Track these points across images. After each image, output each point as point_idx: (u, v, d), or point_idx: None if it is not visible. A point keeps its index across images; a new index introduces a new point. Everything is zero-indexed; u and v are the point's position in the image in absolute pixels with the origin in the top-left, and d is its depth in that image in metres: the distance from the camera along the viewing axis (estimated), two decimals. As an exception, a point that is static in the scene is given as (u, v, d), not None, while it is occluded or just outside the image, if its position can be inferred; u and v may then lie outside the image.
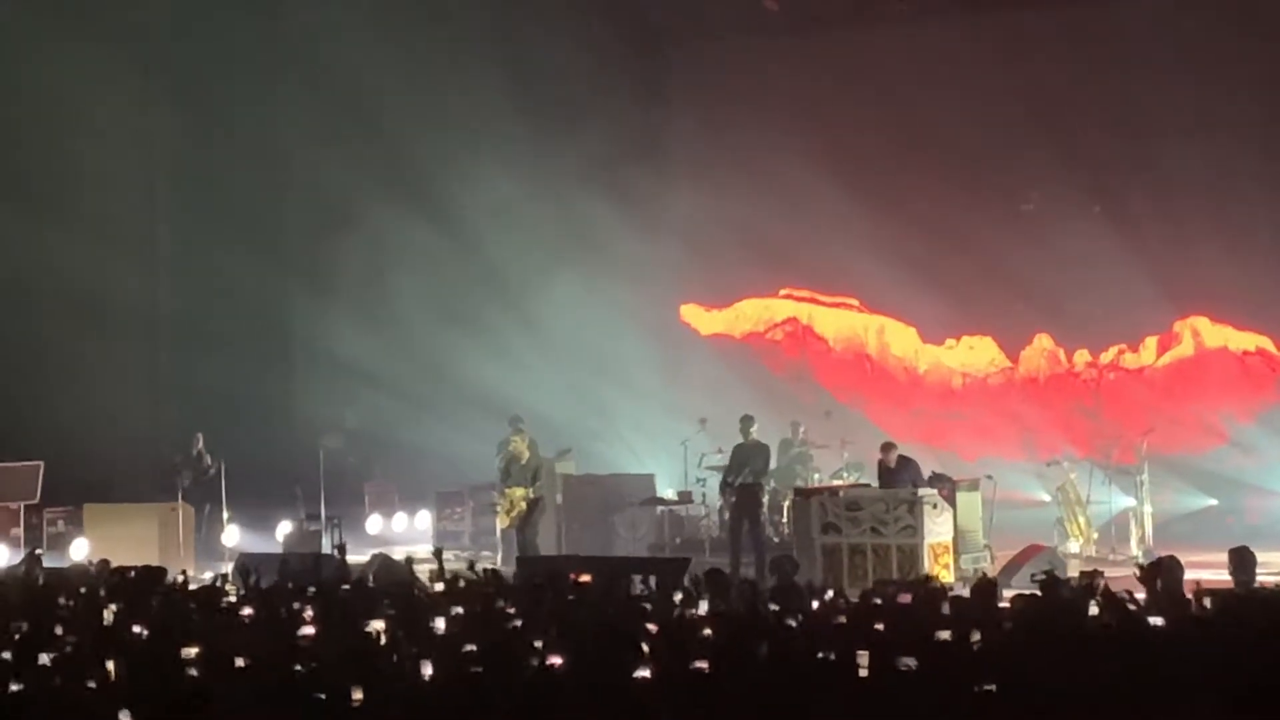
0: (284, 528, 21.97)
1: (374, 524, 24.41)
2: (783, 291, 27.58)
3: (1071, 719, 7.86)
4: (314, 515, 21.84)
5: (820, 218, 24.68)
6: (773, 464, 20.55)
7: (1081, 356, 25.36)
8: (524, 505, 19.68)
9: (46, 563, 17.36)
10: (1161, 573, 11.79)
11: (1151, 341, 24.84)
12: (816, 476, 22.12)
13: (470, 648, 9.76)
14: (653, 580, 13.87)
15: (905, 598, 12.09)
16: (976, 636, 9.81)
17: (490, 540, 22.00)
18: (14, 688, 9.11)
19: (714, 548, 20.41)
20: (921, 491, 17.80)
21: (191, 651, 9.92)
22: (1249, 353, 24.23)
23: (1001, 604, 11.66)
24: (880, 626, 10.42)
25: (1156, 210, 23.04)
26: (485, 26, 24.92)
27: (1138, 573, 11.85)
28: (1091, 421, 24.63)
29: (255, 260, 24.47)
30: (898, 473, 18.49)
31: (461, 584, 13.40)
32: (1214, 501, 23.40)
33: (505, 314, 25.67)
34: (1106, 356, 25.18)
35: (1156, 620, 10.10)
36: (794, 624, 10.96)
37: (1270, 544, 15.35)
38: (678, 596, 12.42)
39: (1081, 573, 13.07)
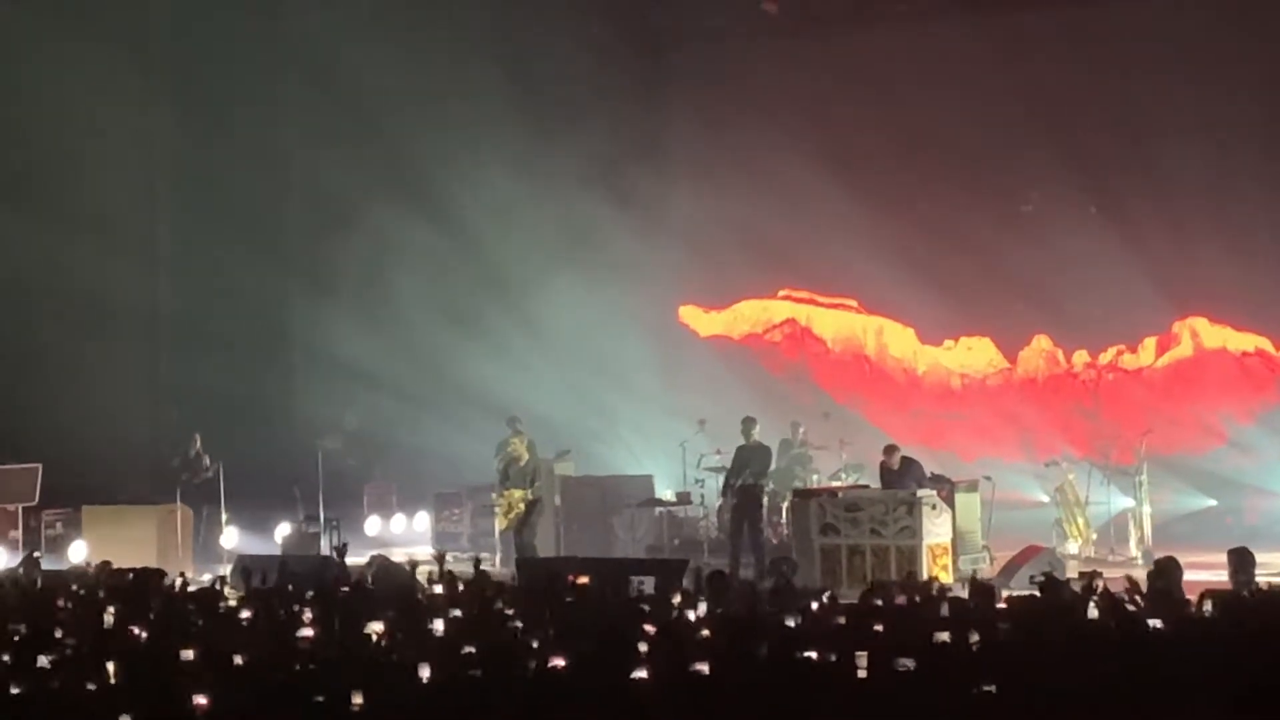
0: (283, 529, 21.96)
1: (372, 525, 24.41)
2: (781, 292, 27.58)
3: (1071, 720, 7.88)
4: (313, 517, 21.83)
5: (819, 219, 24.68)
6: (773, 466, 20.55)
7: (1080, 357, 25.35)
8: (522, 506, 19.69)
9: (45, 565, 17.36)
10: (1159, 573, 11.81)
11: (1150, 342, 24.83)
12: (815, 478, 22.13)
13: (469, 649, 9.77)
14: (652, 581, 13.87)
15: (903, 599, 12.10)
16: (975, 638, 9.81)
17: (489, 542, 21.99)
18: (13, 690, 9.10)
19: (713, 549, 20.41)
20: (920, 493, 17.81)
21: (191, 654, 9.92)
22: (1248, 353, 24.23)
23: (1000, 605, 11.67)
24: (879, 628, 10.43)
25: (1155, 211, 23.03)
26: (486, 27, 24.89)
27: (1127, 585, 11.78)
28: (1090, 422, 24.63)
29: (255, 261, 24.45)
30: (901, 474, 18.49)
31: (460, 586, 13.39)
32: (1213, 502, 23.39)
33: (504, 315, 25.66)
34: (1105, 357, 25.17)
35: (1155, 622, 10.09)
36: (793, 625, 10.96)
37: (1269, 544, 15.38)
38: (677, 598, 12.42)
39: (1080, 573, 13.07)
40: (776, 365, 27.36)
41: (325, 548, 20.65)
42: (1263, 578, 12.41)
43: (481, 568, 14.81)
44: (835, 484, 20.91)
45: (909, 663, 8.81)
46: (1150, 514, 20.04)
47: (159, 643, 10.60)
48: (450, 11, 24.82)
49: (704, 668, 8.82)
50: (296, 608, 12.13)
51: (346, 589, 13.53)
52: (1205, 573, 12.53)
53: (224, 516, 21.71)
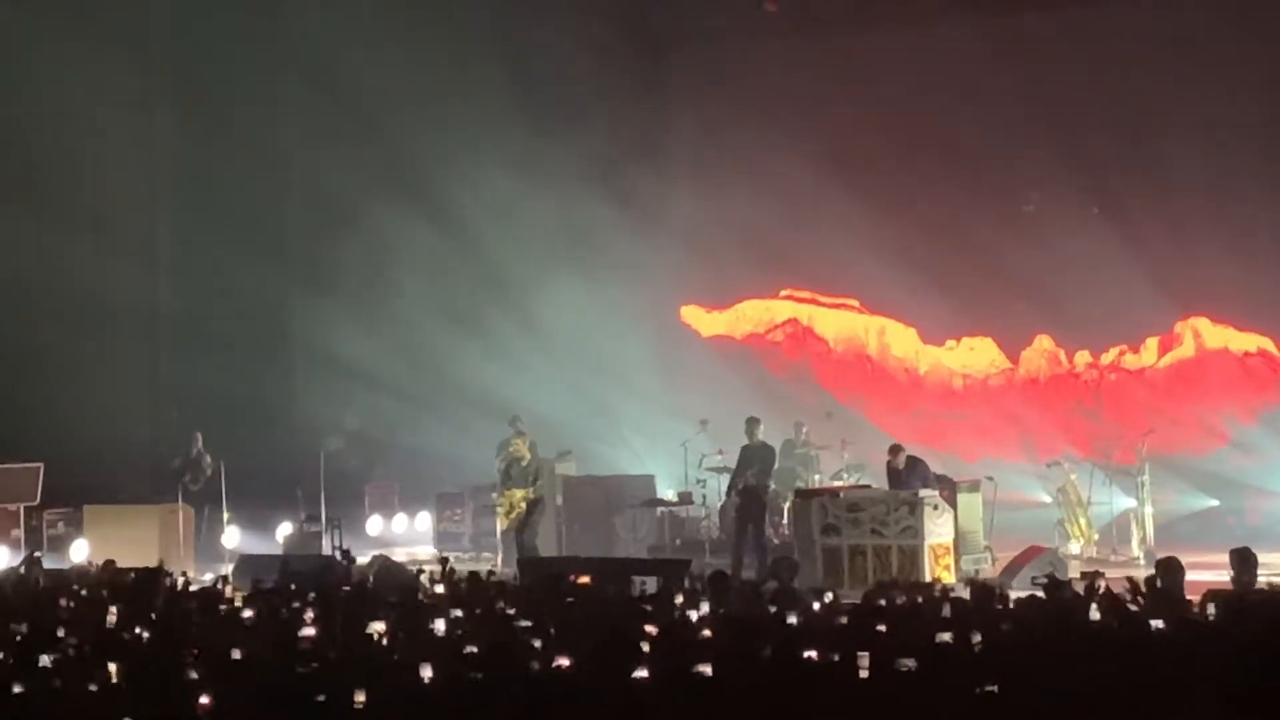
0: (284, 529, 21.96)
1: (374, 525, 24.40)
2: (783, 292, 27.57)
3: (1072, 720, 7.88)
4: (314, 516, 21.81)
5: (821, 219, 24.69)
6: (776, 466, 20.55)
7: (1082, 357, 25.34)
8: (524, 506, 19.69)
9: (47, 564, 17.36)
10: (1161, 574, 11.80)
11: (1152, 342, 24.82)
12: (817, 478, 22.14)
13: (471, 650, 9.76)
14: (654, 582, 13.86)
15: (905, 599, 12.09)
16: (977, 638, 9.80)
17: (490, 541, 22.00)
18: (16, 689, 9.10)
19: (714, 549, 20.42)
20: (922, 493, 17.81)
21: (192, 653, 9.92)
22: (1250, 353, 24.22)
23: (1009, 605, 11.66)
24: (881, 628, 10.42)
25: (1157, 211, 23.03)
26: (486, 27, 24.88)
27: (1128, 587, 11.78)
28: (1092, 422, 24.62)
29: (255, 260, 24.45)
30: (907, 474, 18.49)
31: (463, 586, 13.39)
32: (1215, 502, 23.37)
33: (506, 315, 25.66)
34: (1107, 357, 25.16)
35: (1157, 622, 10.08)
36: (795, 625, 10.95)
37: (1271, 545, 15.36)
38: (678, 598, 12.41)
39: (1082, 573, 13.06)
40: (778, 365, 27.35)
41: (327, 547, 20.66)
42: (1265, 578, 12.38)
43: (486, 570, 14.83)
44: (837, 484, 20.91)
45: (910, 663, 8.80)
46: (1152, 514, 20.04)
47: (161, 642, 10.60)
48: (450, 11, 24.80)
49: (706, 668, 8.81)
50: (298, 605, 12.13)
51: (348, 589, 13.53)
52: (1207, 573, 12.52)
53: (225, 516, 21.71)
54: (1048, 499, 21.78)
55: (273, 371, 25.45)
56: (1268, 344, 24.08)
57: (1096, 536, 20.64)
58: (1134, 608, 10.83)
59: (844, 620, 11.17)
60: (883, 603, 11.89)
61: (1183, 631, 9.84)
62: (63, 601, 13.11)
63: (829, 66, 25.50)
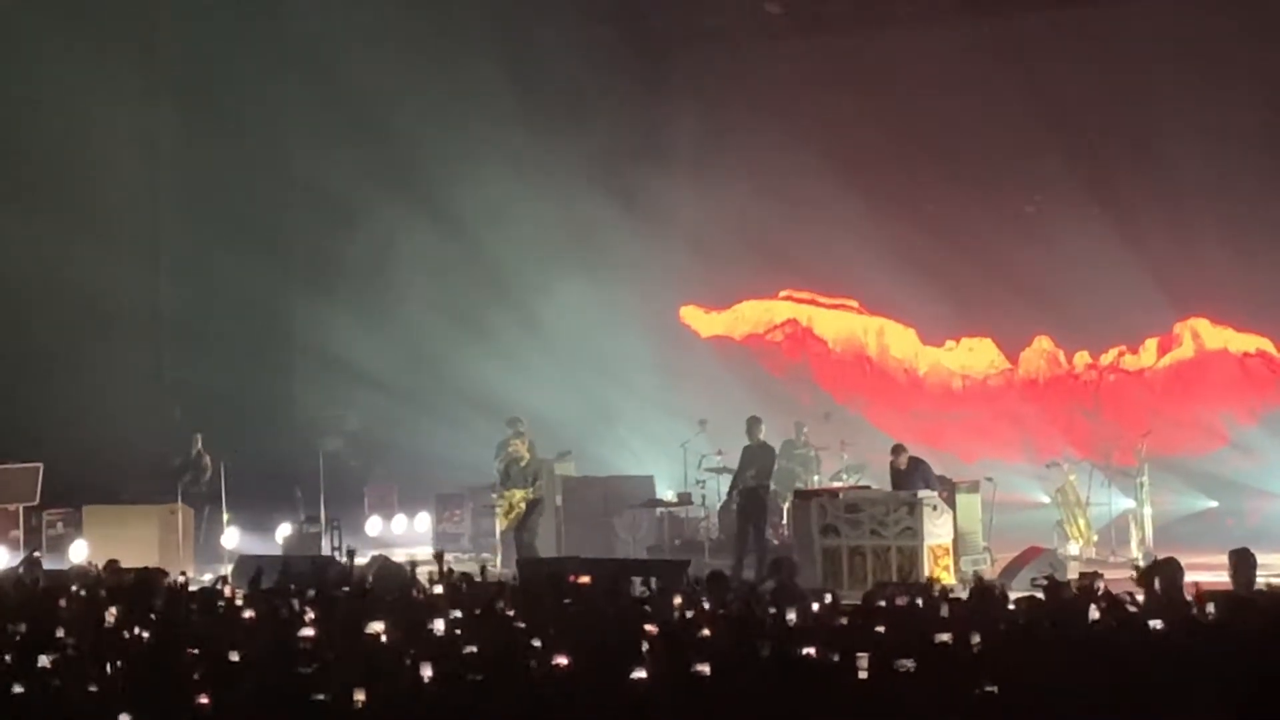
0: (284, 529, 21.95)
1: (373, 526, 24.39)
2: (783, 293, 27.57)
3: (1071, 722, 7.88)
4: (314, 517, 21.81)
5: (821, 219, 24.69)
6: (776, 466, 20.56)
7: (1081, 358, 25.35)
8: (523, 507, 19.70)
9: (46, 565, 17.35)
10: (1160, 574, 11.80)
11: (1152, 343, 24.83)
12: (816, 479, 22.16)
13: (470, 649, 9.77)
14: (653, 582, 13.86)
15: (904, 600, 12.09)
16: (976, 639, 9.80)
17: (490, 542, 21.99)
18: (16, 690, 9.10)
19: (713, 549, 20.42)
20: (921, 493, 17.82)
21: (192, 653, 9.92)
22: (1249, 354, 24.22)
23: (1010, 606, 11.65)
24: (880, 629, 10.42)
25: (1157, 211, 23.05)
26: (488, 28, 24.89)
27: (1135, 574, 11.85)
28: (1091, 423, 24.63)
29: (256, 261, 24.48)
30: (909, 475, 18.50)
31: (464, 587, 13.39)
32: (1214, 503, 23.38)
33: (505, 315, 25.66)
34: (1106, 358, 25.17)
35: (1156, 623, 10.08)
36: (793, 626, 10.96)
37: (1271, 546, 15.34)
38: (677, 598, 12.41)
39: (1081, 574, 13.06)
40: (777, 366, 27.36)
41: (326, 548, 20.67)
42: (1263, 579, 12.38)
43: (485, 569, 14.83)
44: (836, 485, 20.92)
45: (910, 664, 8.81)
46: (1151, 515, 20.02)
47: (160, 643, 10.60)
48: (452, 12, 24.81)
49: (704, 668, 8.82)
50: (297, 605, 12.14)
51: (347, 589, 13.53)
52: (1206, 574, 12.49)
53: (225, 516, 21.69)
54: (1047, 500, 21.77)
55: (272, 372, 25.49)
56: (1267, 345, 24.08)
57: (1095, 537, 20.63)
58: (1133, 608, 10.84)
59: (843, 620, 11.17)
60: (882, 603, 11.90)
61: (1181, 632, 9.84)
62: (62, 602, 13.11)
63: (829, 67, 25.51)
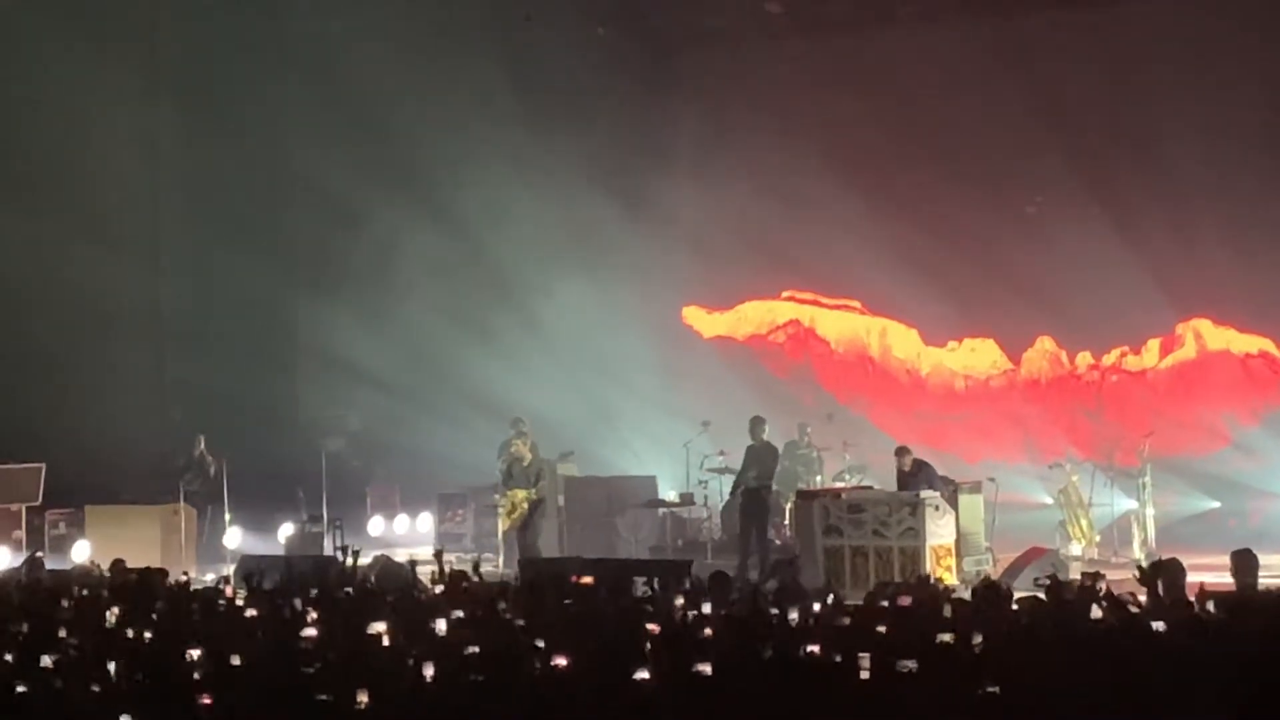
0: (286, 529, 21.95)
1: (376, 526, 24.38)
2: (785, 294, 27.56)
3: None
4: (316, 517, 21.82)
5: (823, 220, 24.69)
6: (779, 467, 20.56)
7: (1084, 359, 25.33)
8: (525, 507, 19.71)
9: (48, 565, 17.37)
10: (1162, 575, 11.79)
11: (1154, 344, 24.81)
12: (819, 479, 22.16)
13: (473, 650, 9.77)
14: (655, 582, 13.86)
15: (906, 600, 12.08)
16: (978, 639, 9.80)
17: (492, 542, 21.98)
18: (18, 690, 9.10)
19: (716, 550, 20.44)
20: (924, 494, 17.81)
21: (194, 653, 9.92)
22: (1251, 355, 24.20)
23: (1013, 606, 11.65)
24: (882, 629, 10.42)
25: (1160, 212, 23.03)
26: (491, 29, 24.90)
27: (1137, 574, 11.85)
28: (1094, 424, 24.62)
29: (258, 261, 24.50)
30: (914, 476, 18.50)
31: (465, 586, 13.39)
32: (1217, 504, 23.36)
33: (508, 315, 25.68)
34: (1109, 359, 25.16)
35: (1158, 624, 10.08)
36: (796, 626, 10.96)
37: (1273, 546, 15.30)
38: (679, 599, 12.41)
39: (1084, 574, 13.05)
40: (780, 366, 27.35)
41: (328, 548, 20.67)
42: (1266, 580, 12.37)
43: (478, 566, 14.84)
44: (839, 485, 20.92)
45: (912, 664, 8.80)
46: (1154, 516, 20.01)
47: (162, 643, 10.60)
48: (454, 13, 24.81)
49: (706, 668, 8.82)
50: (299, 604, 12.14)
51: (349, 589, 13.54)
52: (1209, 575, 12.47)
53: (227, 516, 21.69)
54: (1049, 500, 21.74)
55: (275, 372, 25.48)
56: (1269, 345, 24.07)
57: (1098, 538, 20.62)
58: (1134, 609, 10.83)
59: (845, 621, 11.17)
60: (885, 603, 11.89)
61: (1184, 633, 9.83)
62: (64, 602, 13.11)
63: (831, 67, 25.48)
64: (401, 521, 24.79)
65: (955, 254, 24.27)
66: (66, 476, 21.80)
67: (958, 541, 18.02)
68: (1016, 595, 12.35)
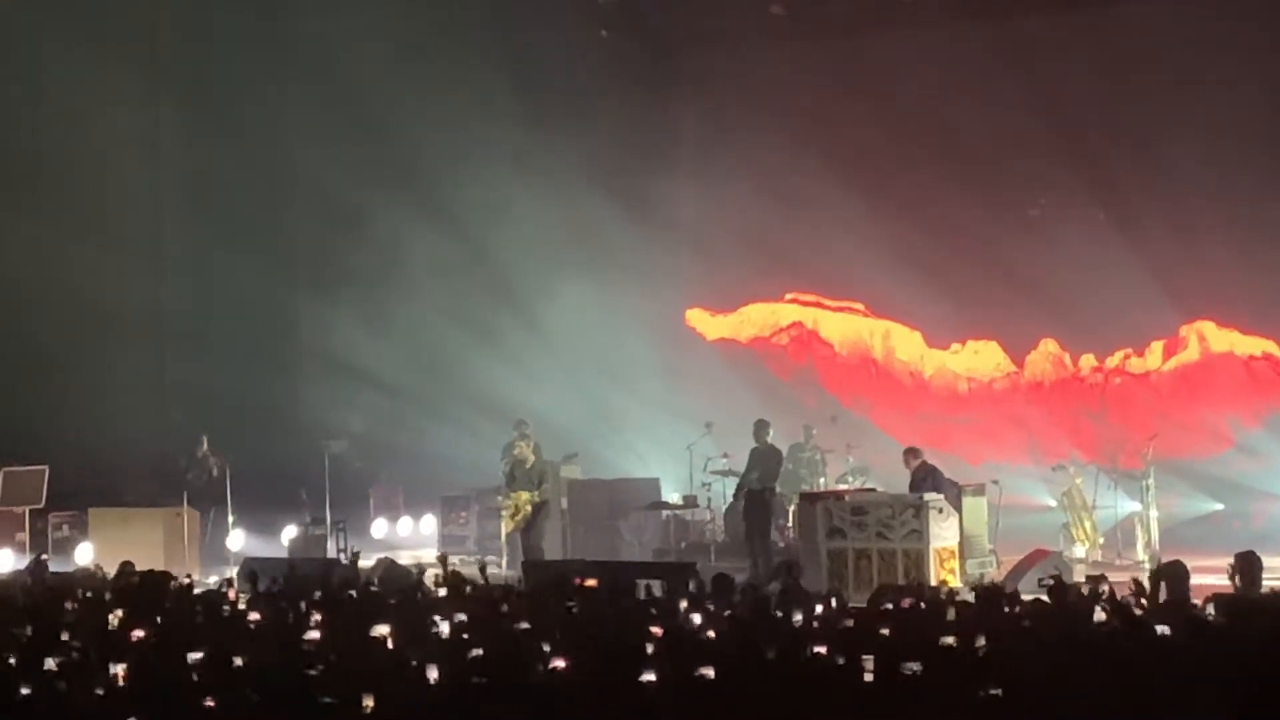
0: (289, 532, 21.96)
1: (379, 528, 24.40)
2: (788, 296, 27.56)
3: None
4: (319, 519, 21.81)
5: (826, 222, 24.68)
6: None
7: (1087, 361, 25.31)
8: (529, 509, 19.70)
9: (52, 567, 17.36)
10: (1164, 578, 11.79)
11: (1157, 346, 24.79)
12: (822, 482, 22.16)
13: (476, 652, 9.77)
14: (658, 585, 13.87)
15: (908, 602, 12.08)
16: (981, 641, 9.79)
17: (495, 544, 21.97)
18: (22, 692, 9.11)
19: (719, 552, 20.44)
20: (927, 496, 17.80)
21: (197, 656, 9.92)
22: (1255, 357, 24.18)
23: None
24: (885, 631, 10.42)
25: (1163, 214, 23.01)
26: (493, 31, 24.90)
27: (1131, 587, 11.79)
28: (1097, 426, 24.61)
29: (261, 263, 24.51)
30: (923, 481, 18.54)
31: (468, 589, 13.39)
32: (1220, 506, 23.33)
33: (510, 318, 25.67)
34: (1112, 361, 25.14)
35: (1162, 627, 10.07)
36: (799, 628, 10.95)
37: (1276, 549, 15.32)
38: (683, 601, 12.41)
39: (1087, 577, 13.05)
40: (783, 369, 27.35)
41: (332, 550, 20.67)
42: (1270, 582, 12.37)
43: (484, 569, 14.84)
44: (842, 487, 20.91)
45: (915, 666, 8.80)
46: (1157, 518, 20.00)
47: (166, 645, 10.60)
48: (457, 14, 24.81)
49: (710, 671, 8.81)
50: (304, 607, 12.15)
51: (353, 592, 13.54)
52: (1212, 577, 12.48)
53: (230, 519, 21.70)
54: (1053, 503, 21.74)
55: (277, 374, 25.47)
56: (1273, 348, 24.04)
57: (1101, 540, 20.62)
58: (1138, 611, 10.83)
59: (849, 623, 11.17)
60: (888, 606, 11.89)
61: (1187, 635, 9.83)
62: (68, 605, 13.11)
63: (833, 69, 25.46)
64: (405, 523, 24.81)
65: (958, 255, 24.26)
66: (69, 479, 21.81)
67: (961, 544, 18.00)
68: (1022, 597, 12.35)
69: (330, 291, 25.69)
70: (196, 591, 14.14)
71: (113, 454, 22.59)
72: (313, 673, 9.28)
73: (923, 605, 11.94)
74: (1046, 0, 24.79)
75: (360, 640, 10.66)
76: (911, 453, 19.01)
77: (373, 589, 14.20)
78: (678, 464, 22.77)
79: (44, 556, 18.11)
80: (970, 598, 12.41)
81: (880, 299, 26.38)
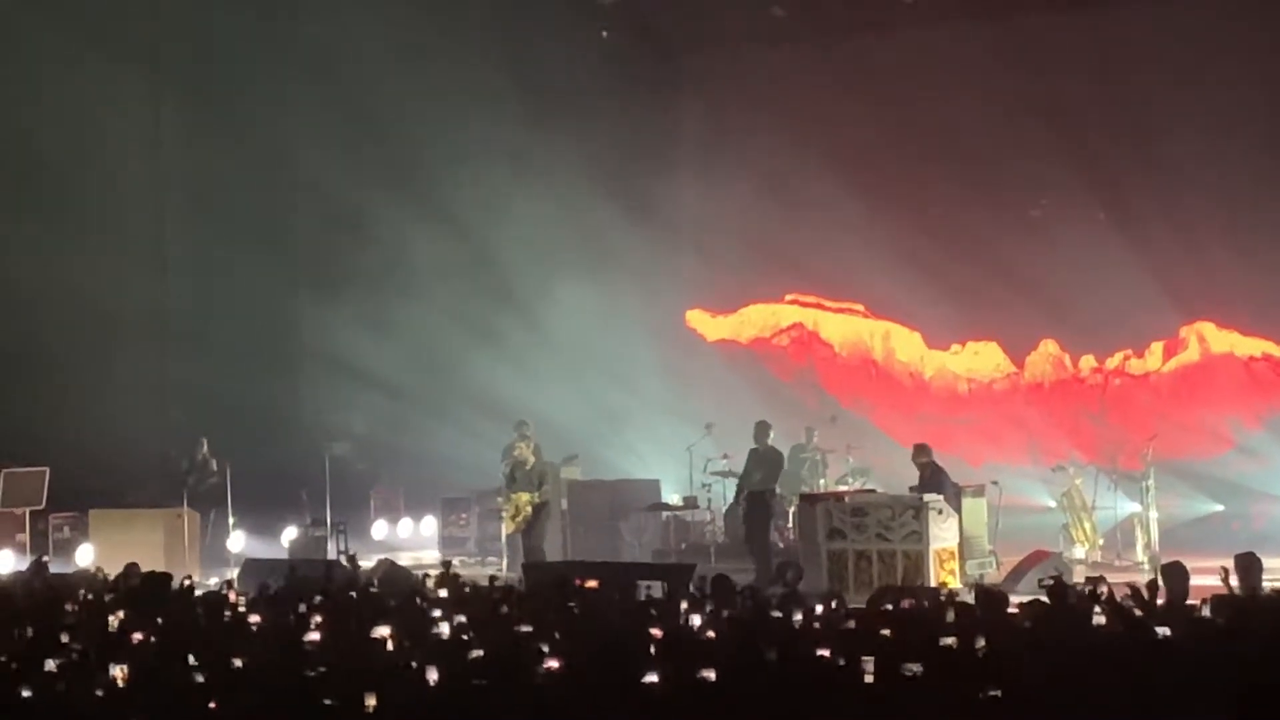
0: (289, 533, 21.96)
1: (379, 529, 24.40)
2: (789, 297, 27.57)
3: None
4: (319, 521, 21.81)
5: (827, 223, 24.69)
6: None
7: (1087, 362, 25.33)
8: (529, 510, 19.69)
9: (52, 569, 17.36)
10: (1163, 579, 11.80)
11: (1157, 347, 24.81)
12: (822, 483, 22.16)
13: (477, 653, 9.77)
14: (659, 586, 13.87)
15: (909, 603, 12.09)
16: (981, 643, 9.80)
17: (496, 546, 21.98)
18: (23, 694, 9.11)
19: (719, 553, 20.44)
20: (927, 497, 17.80)
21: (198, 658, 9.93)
22: (1255, 358, 24.20)
23: (1010, 610, 11.65)
24: (886, 632, 10.42)
25: (1163, 215, 23.02)
26: (496, 32, 24.90)
27: (1128, 591, 11.79)
28: (1097, 427, 24.62)
29: (262, 264, 24.49)
30: (926, 476, 18.57)
31: (467, 590, 13.40)
32: (1220, 507, 23.35)
33: (512, 319, 25.67)
34: (1112, 362, 25.15)
35: (1162, 628, 10.08)
36: (799, 630, 10.96)
37: (1276, 550, 15.32)
38: (684, 602, 12.42)
39: (1086, 578, 13.06)
40: (783, 370, 27.35)
41: (332, 551, 20.67)
42: (1270, 583, 12.37)
43: (494, 579, 14.87)
44: (842, 489, 20.91)
45: (916, 668, 8.81)
46: (1157, 519, 20.00)
47: (166, 647, 10.61)
48: (459, 15, 24.81)
49: (710, 673, 8.82)
50: (303, 609, 12.15)
51: (353, 593, 13.55)
52: (1212, 578, 12.48)
53: (231, 520, 21.69)
54: (1052, 504, 21.73)
55: (278, 375, 25.44)
56: (1273, 349, 24.06)
57: (1101, 541, 20.62)
58: (1138, 612, 10.84)
59: (849, 624, 11.17)
60: (888, 607, 11.89)
61: (1187, 636, 9.83)
62: (68, 606, 13.12)
63: (835, 70, 25.46)
64: (405, 525, 24.81)
65: (959, 257, 24.26)
66: (70, 480, 21.78)
67: (961, 545, 18.01)
68: (1020, 599, 12.36)
69: (331, 292, 25.67)
70: (197, 593, 14.14)
71: (113, 455, 22.55)
72: (312, 674, 9.29)
73: (925, 605, 11.95)
74: (1046, 0, 24.78)
75: (360, 641, 10.67)
76: (920, 450, 19.02)
77: (372, 590, 14.21)
78: (678, 465, 22.77)
79: (44, 558, 18.11)
80: (970, 599, 12.41)
81: (880, 300, 26.39)
